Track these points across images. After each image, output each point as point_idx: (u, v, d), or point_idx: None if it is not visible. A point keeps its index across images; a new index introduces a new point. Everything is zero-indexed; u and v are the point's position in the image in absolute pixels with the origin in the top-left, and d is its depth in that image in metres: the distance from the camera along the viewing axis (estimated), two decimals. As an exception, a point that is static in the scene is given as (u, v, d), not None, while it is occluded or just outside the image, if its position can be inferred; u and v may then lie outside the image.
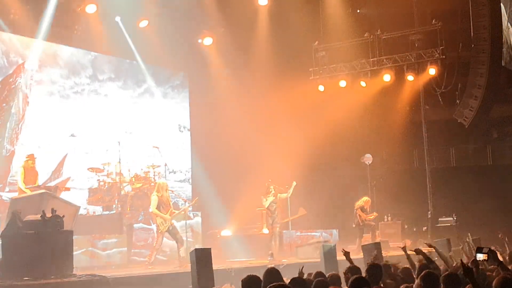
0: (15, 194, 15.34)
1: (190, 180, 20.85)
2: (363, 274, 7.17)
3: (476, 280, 5.51)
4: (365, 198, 18.66)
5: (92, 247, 13.75)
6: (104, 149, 18.33)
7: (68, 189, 14.87)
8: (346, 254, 9.04)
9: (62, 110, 17.78)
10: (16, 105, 16.62)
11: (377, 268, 7.40)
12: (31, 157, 14.25)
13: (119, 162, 16.58)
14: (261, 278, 6.48)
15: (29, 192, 13.37)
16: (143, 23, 18.58)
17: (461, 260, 5.74)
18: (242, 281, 6.26)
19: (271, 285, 5.55)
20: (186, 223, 14.81)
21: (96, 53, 18.65)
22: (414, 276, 7.61)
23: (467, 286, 5.94)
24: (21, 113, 16.71)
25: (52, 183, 16.03)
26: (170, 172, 17.09)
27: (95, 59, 18.73)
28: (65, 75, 18.00)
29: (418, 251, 9.09)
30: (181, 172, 18.22)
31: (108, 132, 18.69)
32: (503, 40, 19.57)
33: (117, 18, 18.39)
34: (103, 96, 18.90)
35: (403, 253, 9.55)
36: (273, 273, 6.78)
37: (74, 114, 18.04)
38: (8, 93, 16.51)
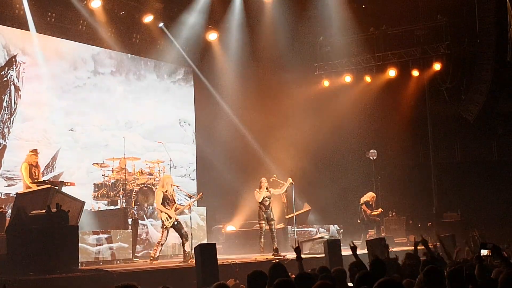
0: (10, 188, 15.43)
1: (191, 175, 20.80)
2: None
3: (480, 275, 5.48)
4: (370, 194, 18.65)
5: (81, 243, 13.63)
6: (104, 144, 18.32)
7: (73, 184, 14.86)
8: (353, 249, 9.01)
9: (62, 105, 17.72)
10: (7, 98, 16.55)
11: (380, 263, 7.41)
12: (35, 152, 14.27)
13: (124, 157, 16.60)
14: (266, 273, 6.48)
15: (34, 187, 13.40)
16: (148, 18, 18.61)
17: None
18: (248, 276, 6.26)
19: (277, 280, 5.55)
20: (190, 217, 14.81)
21: (98, 47, 18.58)
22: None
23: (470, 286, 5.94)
24: (13, 107, 16.65)
25: (44, 178, 16.02)
26: (170, 167, 17.08)
27: (97, 54, 18.66)
28: (66, 69, 17.95)
29: (424, 243, 9.11)
30: (181, 167, 18.22)
31: (109, 127, 18.66)
32: (508, 35, 19.50)
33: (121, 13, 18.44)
34: (104, 90, 18.83)
35: (407, 248, 9.56)
36: (278, 269, 6.78)
37: (74, 109, 17.98)
38: (0, 86, 16.46)
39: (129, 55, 19.53)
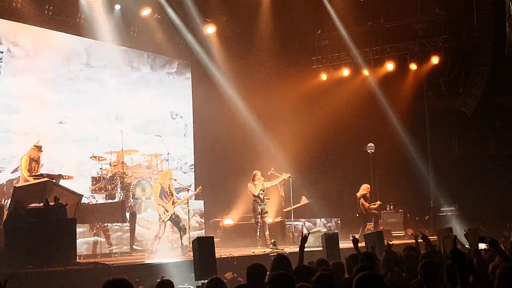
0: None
1: (183, 168, 20.68)
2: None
3: (465, 267, 5.41)
4: (365, 186, 18.63)
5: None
6: (95, 137, 18.20)
7: (71, 177, 14.84)
8: (354, 241, 9.01)
9: (53, 97, 17.55)
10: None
11: (370, 256, 7.44)
12: (38, 148, 14.24)
13: (122, 150, 16.57)
14: (265, 266, 6.46)
15: (32, 180, 13.39)
16: (146, 12, 18.57)
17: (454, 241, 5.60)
18: (247, 269, 6.25)
19: (273, 273, 5.55)
20: (189, 211, 14.81)
21: (93, 40, 18.40)
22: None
23: (470, 277, 5.94)
24: None
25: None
26: (162, 160, 17.08)
27: (89, 46, 18.48)
28: (59, 62, 17.80)
29: (425, 238, 9.11)
30: (173, 160, 18.15)
31: (101, 119, 18.52)
32: (506, 29, 19.50)
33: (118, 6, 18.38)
34: (96, 83, 18.66)
35: (405, 241, 9.57)
36: (281, 260, 6.77)
37: (65, 101, 17.79)
38: None
39: (122, 47, 19.37)
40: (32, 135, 16.65)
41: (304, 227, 17.84)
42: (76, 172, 16.90)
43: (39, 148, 14.26)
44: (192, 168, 21.11)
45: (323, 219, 19.17)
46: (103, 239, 14.35)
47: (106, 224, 14.59)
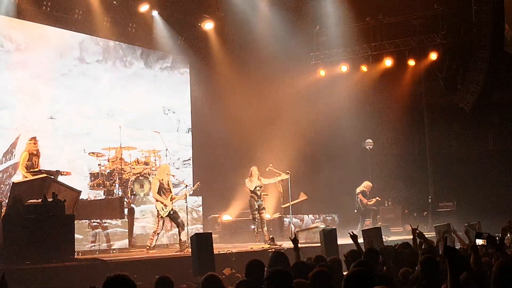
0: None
1: (175, 164, 20.58)
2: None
3: (457, 264, 5.40)
4: (366, 183, 18.65)
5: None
6: (85, 133, 18.10)
7: (69, 173, 14.83)
8: (354, 237, 9.01)
9: (45, 92, 17.38)
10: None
11: (374, 252, 7.45)
12: (33, 140, 14.24)
13: (120, 146, 16.55)
14: (263, 262, 6.48)
15: (30, 177, 13.39)
16: (144, 8, 18.55)
17: (445, 239, 5.63)
18: (246, 265, 6.26)
19: (271, 269, 5.56)
20: (187, 207, 14.81)
21: (89, 35, 18.31)
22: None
23: (463, 274, 5.94)
24: None
25: (2, 166, 15.93)
26: (160, 156, 17.05)
27: (83, 41, 18.32)
28: (53, 57, 17.63)
29: (420, 235, 9.11)
30: (165, 156, 18.12)
31: (92, 115, 18.37)
32: (504, 25, 19.52)
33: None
34: (90, 78, 18.48)
35: (403, 237, 9.56)
36: (279, 258, 6.78)
37: (57, 96, 17.62)
38: None
39: (116, 42, 19.23)
40: (22, 130, 16.52)
41: (291, 223, 17.82)
42: (67, 168, 16.70)
43: (34, 140, 14.21)
44: (185, 164, 21.05)
45: (310, 215, 19.10)
46: (101, 236, 14.34)
47: (104, 220, 14.59)
